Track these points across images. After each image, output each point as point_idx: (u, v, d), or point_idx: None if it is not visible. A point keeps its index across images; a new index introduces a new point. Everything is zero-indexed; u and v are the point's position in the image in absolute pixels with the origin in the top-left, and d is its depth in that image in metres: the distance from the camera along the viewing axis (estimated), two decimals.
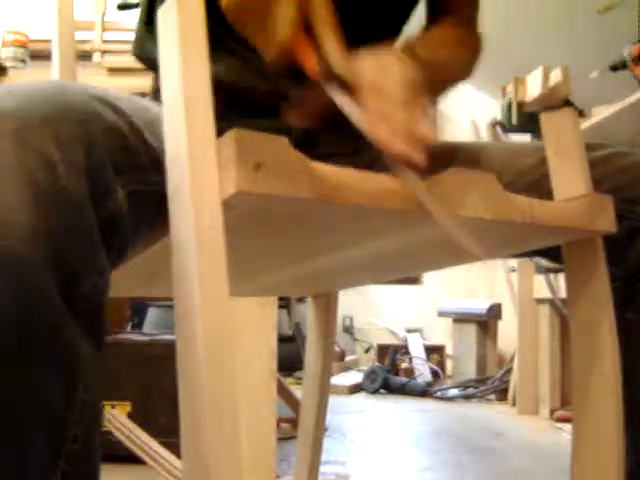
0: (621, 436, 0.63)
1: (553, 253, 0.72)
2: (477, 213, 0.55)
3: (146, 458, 1.24)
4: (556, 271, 2.41)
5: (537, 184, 0.72)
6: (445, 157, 0.78)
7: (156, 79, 0.87)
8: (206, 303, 0.41)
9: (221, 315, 0.42)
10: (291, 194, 0.44)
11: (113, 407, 1.72)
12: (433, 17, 0.90)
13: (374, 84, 0.59)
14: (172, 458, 1.19)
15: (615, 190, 0.67)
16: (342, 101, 0.57)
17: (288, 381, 2.71)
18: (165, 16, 0.46)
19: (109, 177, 0.47)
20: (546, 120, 0.68)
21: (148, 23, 0.83)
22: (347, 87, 0.58)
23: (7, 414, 0.39)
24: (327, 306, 1.01)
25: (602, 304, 0.65)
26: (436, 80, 0.73)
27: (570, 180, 0.65)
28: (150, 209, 0.53)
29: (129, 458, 1.49)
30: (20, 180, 0.41)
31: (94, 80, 2.06)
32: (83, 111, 0.47)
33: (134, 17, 0.90)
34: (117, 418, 1.30)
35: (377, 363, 3.49)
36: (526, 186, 0.71)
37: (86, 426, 0.45)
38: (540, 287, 2.53)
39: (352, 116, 0.56)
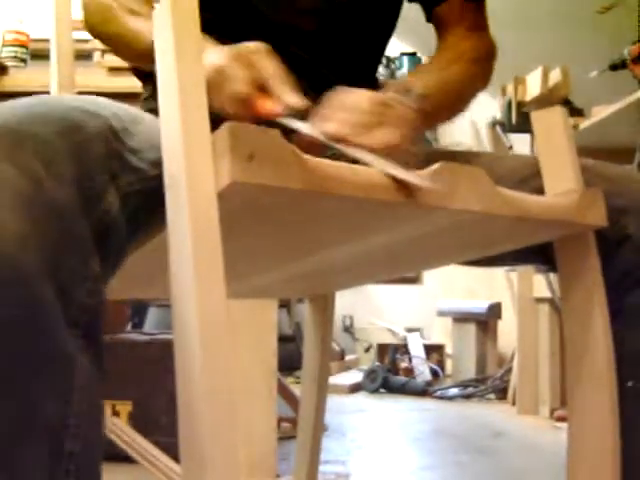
0: (616, 427, 0.63)
1: (549, 257, 0.72)
2: (467, 206, 0.55)
3: (146, 464, 1.24)
4: (555, 271, 2.41)
5: (526, 181, 0.72)
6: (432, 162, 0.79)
7: (150, 88, 0.88)
8: (202, 291, 0.42)
9: (217, 301, 0.42)
10: (283, 184, 0.45)
11: (114, 407, 1.72)
12: (440, 30, 0.91)
13: (334, 105, 0.64)
14: (172, 464, 1.19)
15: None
16: (298, 126, 0.61)
17: (288, 380, 2.71)
18: (160, 14, 0.47)
19: (99, 183, 0.48)
20: (536, 118, 0.69)
21: None
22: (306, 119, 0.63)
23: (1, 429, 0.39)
24: (324, 307, 1.01)
25: (594, 296, 0.66)
26: (439, 107, 0.77)
27: (560, 176, 0.66)
28: (146, 206, 0.54)
29: (129, 457, 1.49)
30: (9, 197, 0.42)
31: (94, 80, 2.06)
32: (63, 123, 0.48)
33: None
34: (118, 425, 1.30)
35: (377, 363, 3.49)
36: (515, 183, 0.72)
37: (85, 442, 0.44)
38: (540, 286, 2.53)
39: (304, 130, 0.60)
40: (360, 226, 0.58)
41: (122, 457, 1.54)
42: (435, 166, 0.54)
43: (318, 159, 0.49)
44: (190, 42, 0.45)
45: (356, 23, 0.89)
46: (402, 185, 0.51)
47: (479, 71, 0.88)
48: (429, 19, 0.93)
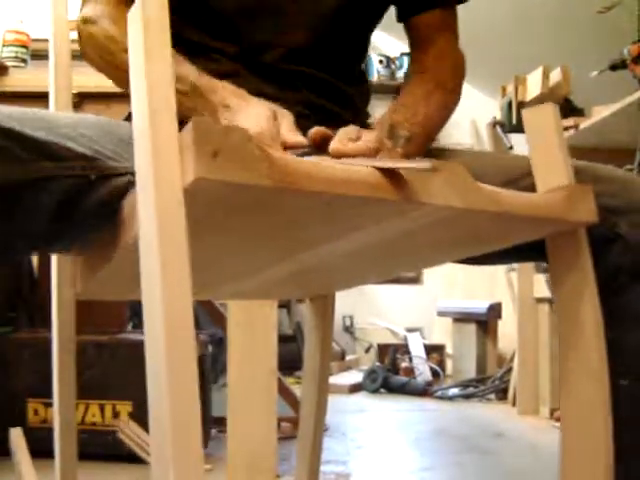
0: (609, 423, 0.63)
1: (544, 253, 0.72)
2: (446, 202, 0.54)
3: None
4: None
5: (516, 180, 0.73)
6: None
7: None
8: (168, 287, 0.42)
9: (182, 297, 0.43)
10: (249, 181, 0.45)
11: (114, 407, 1.72)
12: (417, 41, 0.94)
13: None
14: None
15: (594, 198, 0.66)
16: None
17: (288, 380, 2.71)
18: (132, 16, 0.48)
19: None
20: (527, 115, 0.69)
21: None
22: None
23: None
24: (324, 307, 1.01)
25: (585, 293, 0.65)
26: (421, 145, 0.82)
27: (551, 173, 0.66)
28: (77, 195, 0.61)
29: (132, 457, 1.49)
30: None
31: (94, 80, 2.05)
32: None
33: None
34: (126, 424, 1.30)
35: (377, 363, 3.49)
36: (505, 182, 0.72)
37: None
38: (540, 286, 2.53)
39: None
40: (337, 223, 0.57)
41: (127, 457, 1.55)
42: (411, 161, 0.54)
43: (288, 156, 0.49)
44: (159, 43, 0.46)
45: (342, 22, 0.89)
46: (392, 179, 0.51)
47: (455, 97, 0.91)
48: (401, 19, 0.94)
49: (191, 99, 0.73)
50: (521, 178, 0.72)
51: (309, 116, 0.81)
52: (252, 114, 0.69)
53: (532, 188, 0.67)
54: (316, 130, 0.65)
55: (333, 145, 0.63)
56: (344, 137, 0.65)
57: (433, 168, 0.51)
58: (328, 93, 0.88)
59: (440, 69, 0.90)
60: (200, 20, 0.87)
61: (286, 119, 0.69)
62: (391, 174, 0.52)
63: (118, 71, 0.80)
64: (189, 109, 0.71)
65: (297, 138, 0.66)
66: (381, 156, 0.65)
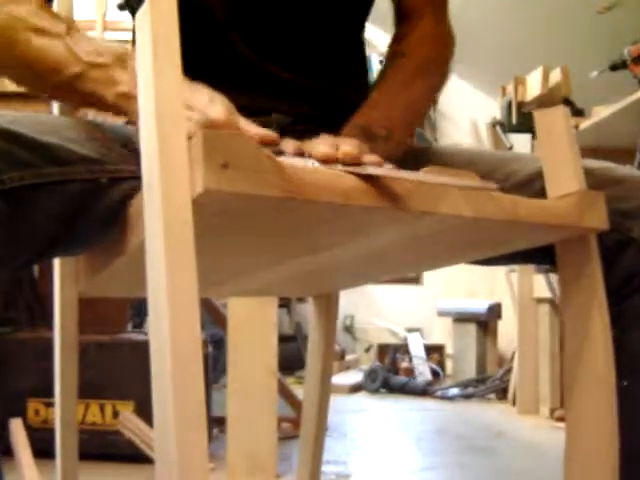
0: (615, 430, 0.63)
1: (554, 257, 0.71)
2: (456, 211, 0.54)
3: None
4: (556, 271, 2.41)
5: (526, 184, 0.72)
6: (429, 161, 0.78)
7: None
8: (174, 298, 0.42)
9: (189, 308, 0.42)
10: (259, 192, 0.45)
11: (114, 407, 1.72)
12: (402, 17, 0.89)
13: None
14: None
15: (608, 201, 0.65)
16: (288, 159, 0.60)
17: (289, 381, 2.71)
18: (140, 22, 0.47)
19: None
20: (539, 118, 0.68)
21: None
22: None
23: None
24: (328, 306, 1.01)
25: (594, 300, 0.65)
26: (403, 138, 0.77)
27: (562, 177, 0.65)
28: (49, 199, 0.59)
29: (137, 457, 1.49)
30: None
31: None
32: None
33: None
34: (129, 419, 1.30)
35: (377, 362, 3.49)
36: (514, 186, 0.71)
37: None
38: (540, 287, 2.53)
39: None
40: (345, 231, 0.57)
41: (127, 457, 1.55)
42: (423, 170, 0.54)
43: (298, 166, 0.49)
44: (168, 49, 0.45)
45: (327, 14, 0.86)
46: (389, 190, 0.51)
47: (441, 78, 0.86)
48: None
49: (105, 70, 0.63)
50: (532, 181, 0.72)
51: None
52: (204, 93, 0.61)
53: (544, 191, 0.67)
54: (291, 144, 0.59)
55: (321, 149, 0.57)
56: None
57: (497, 188, 0.52)
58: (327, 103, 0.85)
59: (422, 51, 0.85)
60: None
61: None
62: (399, 183, 0.52)
63: (12, 48, 0.67)
64: (106, 82, 0.63)
65: (258, 130, 0.60)
66: (364, 161, 0.62)
